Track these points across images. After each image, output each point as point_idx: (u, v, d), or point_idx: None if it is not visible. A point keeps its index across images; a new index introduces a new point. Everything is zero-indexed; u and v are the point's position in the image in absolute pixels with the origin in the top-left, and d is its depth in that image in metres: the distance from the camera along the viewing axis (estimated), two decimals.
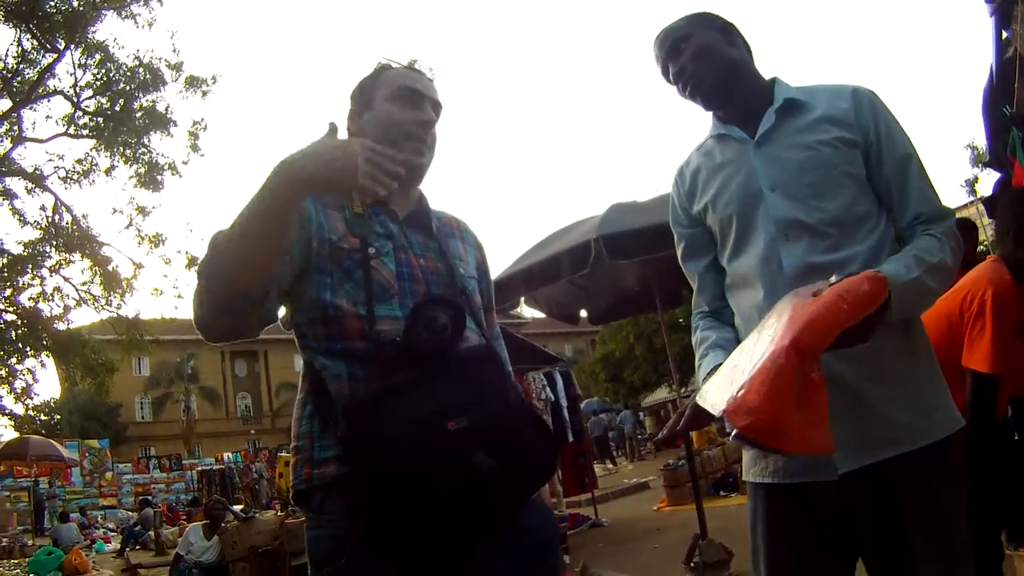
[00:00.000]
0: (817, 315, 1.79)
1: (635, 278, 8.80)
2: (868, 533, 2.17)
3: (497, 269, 8.56)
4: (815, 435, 1.72)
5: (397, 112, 2.34)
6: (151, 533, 22.01)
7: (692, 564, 7.17)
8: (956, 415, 2.26)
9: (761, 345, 1.83)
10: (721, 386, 1.88)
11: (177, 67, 22.62)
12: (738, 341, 2.37)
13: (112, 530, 28.25)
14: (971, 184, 45.96)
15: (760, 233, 2.30)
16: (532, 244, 8.73)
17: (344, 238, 2.19)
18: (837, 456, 2.08)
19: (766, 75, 2.52)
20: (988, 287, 3.56)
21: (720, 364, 2.22)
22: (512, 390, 2.24)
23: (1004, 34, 3.45)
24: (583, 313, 9.38)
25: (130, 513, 30.00)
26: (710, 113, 2.53)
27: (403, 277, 2.21)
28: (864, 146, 2.29)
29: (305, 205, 2.15)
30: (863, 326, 1.88)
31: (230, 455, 38.17)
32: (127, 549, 21.63)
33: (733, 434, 1.74)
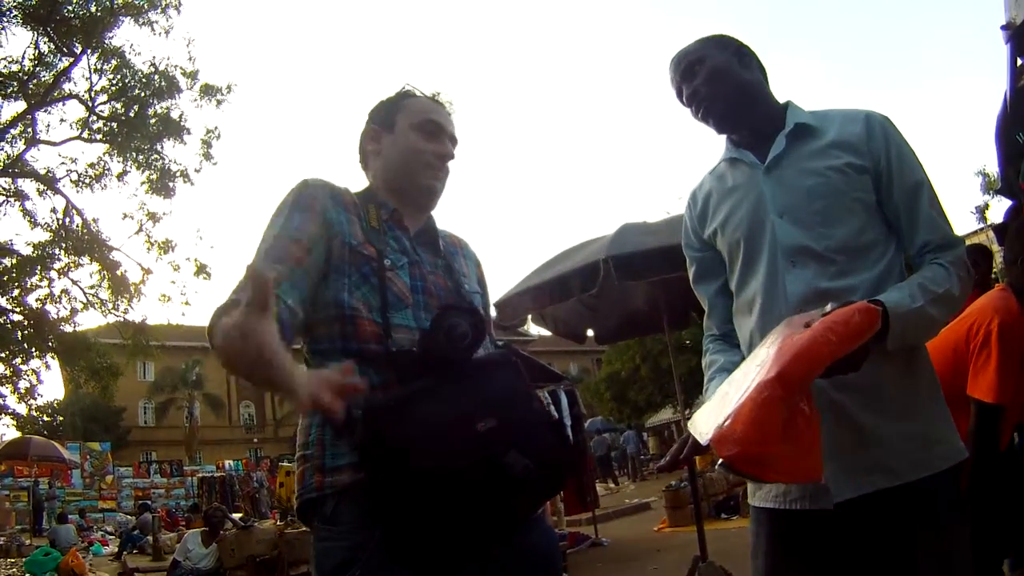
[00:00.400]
0: (804, 348, 1.81)
1: (643, 299, 8.79)
2: (868, 562, 2.16)
3: (505, 287, 8.60)
4: (803, 465, 1.75)
5: (419, 142, 2.42)
6: (149, 538, 22.01)
7: None
8: (959, 446, 2.25)
9: (751, 375, 1.84)
10: (710, 415, 1.90)
11: (192, 75, 22.69)
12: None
13: (110, 533, 28.24)
14: (981, 211, 45.82)
15: (766, 258, 2.30)
16: (541, 262, 8.73)
17: (363, 244, 2.24)
18: (834, 485, 2.08)
19: (781, 99, 2.51)
20: (995, 316, 3.55)
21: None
22: (534, 393, 2.27)
23: (1019, 61, 3.46)
24: (590, 332, 9.37)
25: (129, 517, 29.94)
26: (723, 136, 2.53)
27: (417, 290, 2.27)
28: (875, 172, 2.29)
29: (327, 206, 2.24)
30: (853, 357, 1.89)
31: (231, 463, 38.34)
32: (125, 553, 21.58)
33: (719, 463, 1.77)
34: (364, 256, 2.22)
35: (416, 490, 1.90)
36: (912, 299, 2.06)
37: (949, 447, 2.22)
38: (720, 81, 2.40)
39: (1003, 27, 3.07)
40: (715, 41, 2.50)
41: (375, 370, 2.10)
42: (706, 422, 1.89)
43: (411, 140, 2.43)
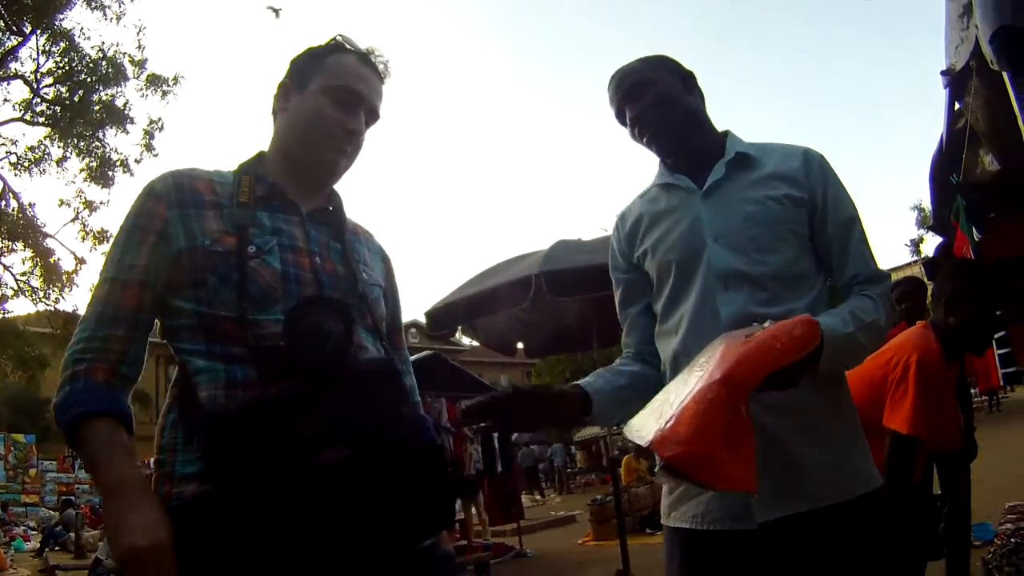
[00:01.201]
0: (749, 352, 1.83)
1: (575, 315, 8.84)
2: None
3: (436, 297, 8.62)
4: (740, 473, 1.73)
5: (327, 109, 2.16)
6: (72, 534, 21.62)
7: None
8: (875, 474, 2.31)
9: (692, 382, 1.84)
10: (648, 419, 1.89)
11: (140, 64, 22.23)
12: (639, 376, 2.45)
13: (32, 528, 27.72)
14: (916, 244, 46.94)
15: (699, 281, 2.32)
16: (475, 273, 8.77)
17: (219, 239, 1.98)
18: (757, 505, 2.12)
19: (720, 127, 2.55)
20: (914, 352, 3.68)
21: (599, 387, 2.35)
22: (411, 416, 2.11)
23: (957, 105, 3.58)
24: (520, 345, 9.42)
25: (52, 512, 29.42)
26: (657, 159, 2.55)
27: (289, 278, 2.01)
28: (811, 206, 2.34)
29: (170, 218, 1.99)
30: (793, 370, 1.91)
31: None
32: (47, 549, 21.24)
33: (660, 465, 1.75)
34: (219, 254, 1.96)
35: (249, 520, 1.70)
36: (844, 325, 2.12)
37: (867, 474, 2.29)
38: (668, 107, 2.42)
39: (943, 72, 3.17)
40: (661, 63, 2.51)
41: (241, 367, 1.90)
42: (644, 426, 1.88)
43: (319, 105, 2.16)
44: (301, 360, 1.84)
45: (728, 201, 2.35)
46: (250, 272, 1.96)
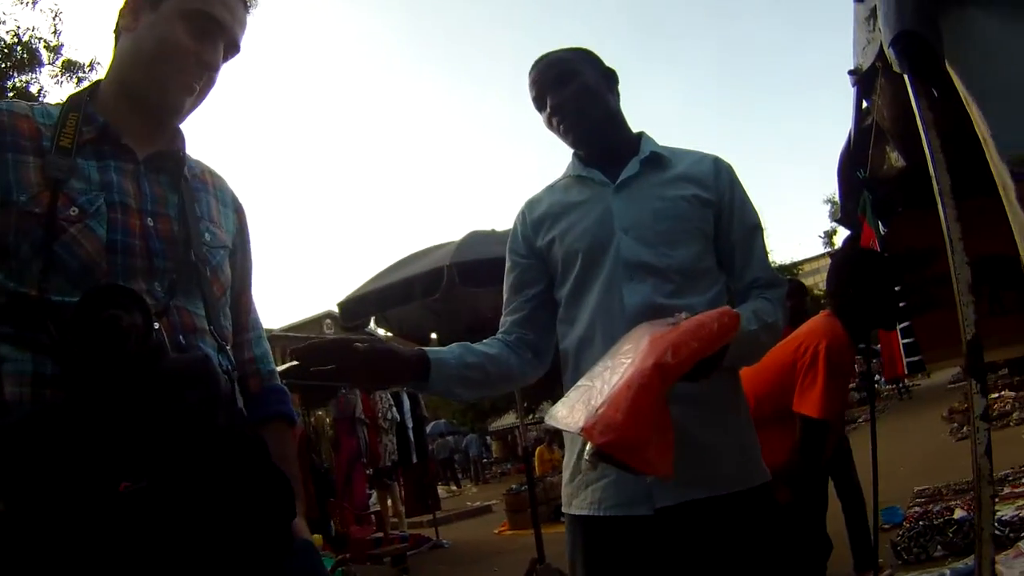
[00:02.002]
0: (681, 339, 1.84)
1: (489, 306, 8.82)
2: (684, 569, 2.24)
3: (349, 288, 8.54)
4: (664, 458, 1.75)
5: (182, 35, 1.86)
6: None
7: None
8: (765, 467, 2.39)
9: (619, 369, 1.85)
10: (576, 405, 1.88)
11: (56, 49, 21.60)
12: (494, 360, 2.42)
13: None
14: (829, 236, 48.15)
15: (606, 271, 2.36)
16: (387, 265, 8.71)
17: (37, 196, 1.67)
18: (656, 491, 2.17)
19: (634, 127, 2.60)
20: (823, 339, 3.78)
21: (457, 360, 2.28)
22: (235, 431, 1.72)
23: (864, 103, 3.66)
24: (434, 336, 9.39)
25: None
26: (570, 151, 2.57)
27: (115, 248, 1.72)
28: (717, 209, 2.42)
29: None
30: (713, 359, 1.97)
31: None
32: None
33: (590, 452, 1.74)
34: (35, 216, 1.65)
35: (39, 555, 1.42)
36: (748, 323, 2.19)
37: (761, 466, 2.38)
38: (590, 102, 2.45)
39: (850, 72, 3.25)
40: (587, 57, 2.54)
41: (52, 362, 1.62)
42: (571, 413, 1.87)
43: (173, 31, 1.85)
44: (96, 362, 1.54)
45: (639, 196, 2.40)
46: (67, 241, 1.66)
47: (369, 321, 9.04)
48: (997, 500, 7.02)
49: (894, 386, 27.51)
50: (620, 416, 1.70)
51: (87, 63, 22.11)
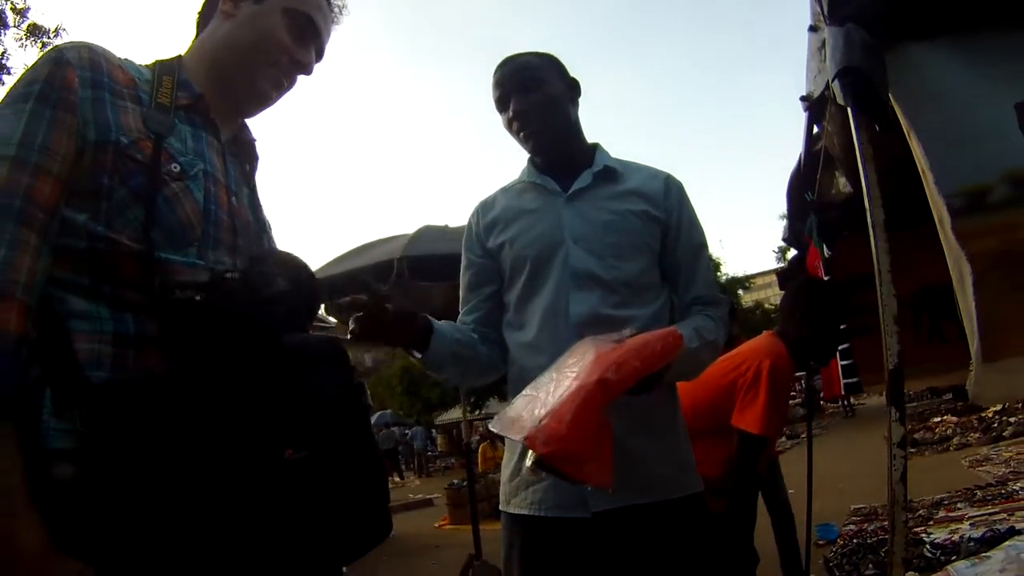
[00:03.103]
0: (624, 358, 1.88)
1: (442, 300, 8.83)
2: (619, 571, 2.30)
3: None
4: (602, 471, 1.80)
5: (283, 32, 1.85)
6: None
7: None
8: (699, 478, 2.45)
9: (564, 381, 1.88)
10: (520, 414, 1.91)
11: (22, 12, 21.23)
12: (476, 348, 2.49)
13: None
14: (782, 252, 48.57)
15: (553, 278, 2.39)
16: (337, 254, 8.68)
17: (138, 144, 1.58)
18: (592, 496, 2.23)
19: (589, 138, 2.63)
20: (766, 358, 3.83)
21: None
22: (368, 406, 1.76)
23: (815, 129, 3.72)
24: None
25: None
26: (526, 155, 2.60)
27: (209, 217, 1.67)
28: (665, 226, 2.46)
29: (81, 99, 1.55)
30: (656, 377, 2.01)
31: None
32: None
33: (533, 461, 1.76)
34: (137, 163, 1.56)
35: (160, 529, 1.36)
36: (690, 341, 2.23)
37: (695, 476, 2.43)
38: (553, 112, 2.47)
39: (802, 98, 3.31)
40: (554, 65, 2.56)
41: (136, 318, 1.53)
42: (515, 421, 1.89)
43: (275, 25, 1.84)
44: (237, 320, 1.49)
45: (590, 208, 2.44)
46: (168, 196, 1.59)
47: (318, 308, 8.99)
48: (932, 523, 7.18)
49: (839, 404, 27.83)
50: (563, 428, 1.73)
51: (52, 29, 21.77)
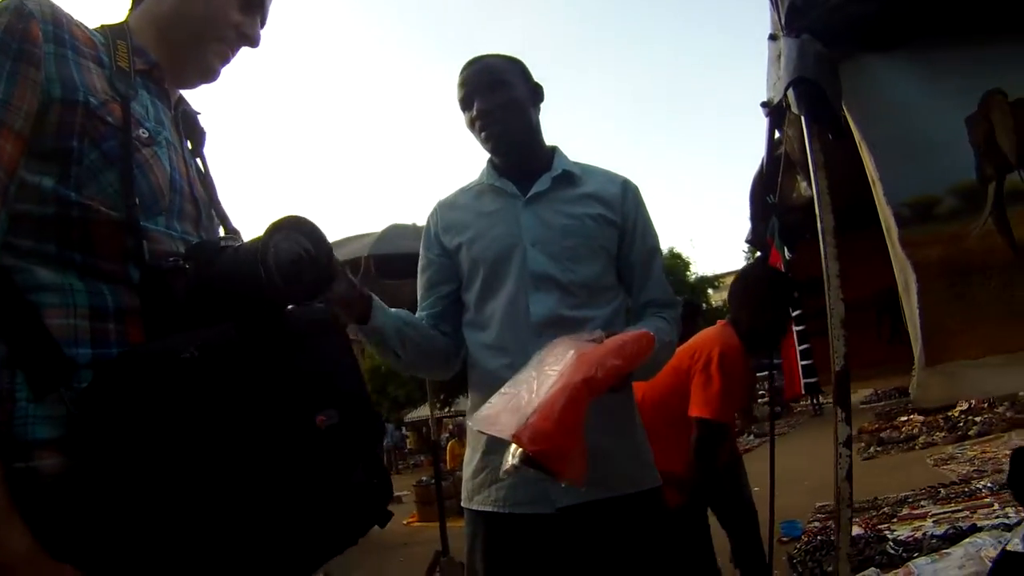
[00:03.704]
0: (607, 357, 1.95)
1: (409, 298, 8.82)
2: (581, 565, 2.36)
3: None
4: (581, 467, 1.83)
5: (233, 11, 1.79)
6: None
7: None
8: (656, 472, 2.52)
9: (547, 380, 1.91)
10: (502, 412, 1.93)
11: None
12: (427, 335, 2.52)
13: None
14: (751, 251, 48.68)
15: (512, 280, 2.44)
16: None
17: (107, 106, 1.50)
18: (556, 491, 2.27)
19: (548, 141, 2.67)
20: (716, 346, 3.91)
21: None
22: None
23: (777, 134, 3.79)
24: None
25: None
26: (486, 156, 2.65)
27: (175, 186, 1.61)
28: (621, 230, 2.53)
29: (44, 54, 1.44)
30: (628, 377, 2.11)
31: None
32: None
33: (519, 457, 1.78)
34: (108, 125, 1.48)
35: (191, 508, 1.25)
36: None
37: (654, 472, 2.51)
38: (516, 115, 2.51)
39: (762, 104, 3.36)
40: (519, 68, 2.60)
41: (113, 292, 1.44)
42: (498, 419, 1.91)
43: (225, 4, 1.77)
44: (255, 292, 1.40)
45: (548, 211, 2.49)
46: (142, 163, 1.52)
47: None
48: (896, 520, 7.31)
49: (809, 402, 27.94)
50: (551, 426, 1.77)
51: None
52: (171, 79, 1.78)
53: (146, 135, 1.55)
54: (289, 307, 1.54)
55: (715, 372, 3.82)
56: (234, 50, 1.84)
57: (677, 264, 42.18)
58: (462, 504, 2.55)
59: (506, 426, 1.83)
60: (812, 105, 2.55)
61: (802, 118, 2.64)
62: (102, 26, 1.68)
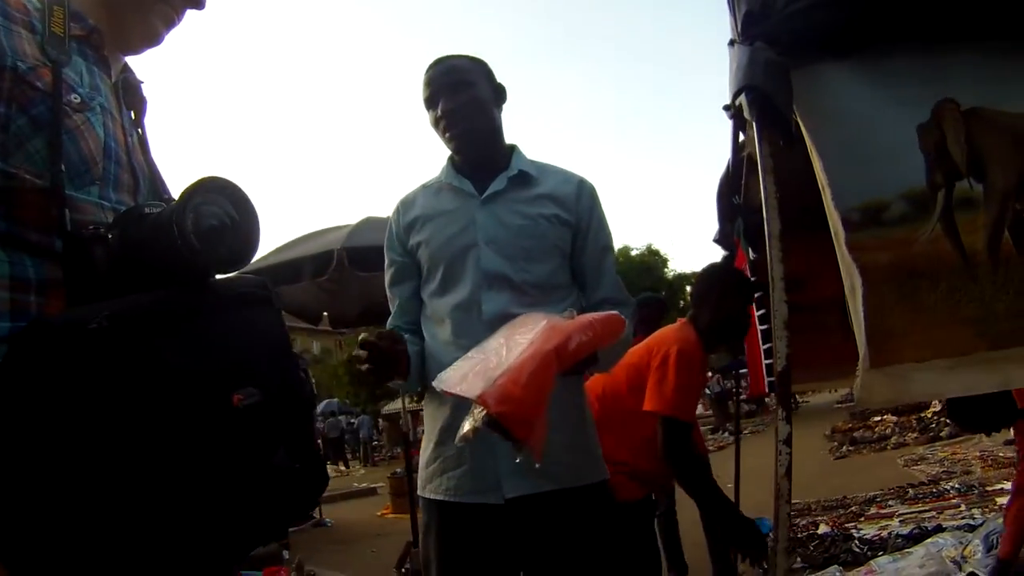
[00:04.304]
0: (577, 331, 1.99)
1: (381, 291, 8.80)
2: (529, 554, 2.44)
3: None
4: (542, 437, 1.87)
5: None
6: None
7: (403, 570, 7.43)
8: (604, 466, 2.60)
9: (516, 348, 1.96)
10: (467, 374, 1.96)
11: None
12: (420, 355, 2.60)
13: None
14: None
15: (467, 278, 2.51)
16: (279, 243, 8.68)
17: (37, 71, 1.46)
18: (506, 482, 2.37)
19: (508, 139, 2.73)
20: (674, 344, 3.94)
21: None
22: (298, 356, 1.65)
23: (741, 136, 3.84)
24: (325, 315, 9.36)
25: None
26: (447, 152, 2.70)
27: (109, 154, 1.57)
28: (575, 229, 2.59)
29: None
30: (593, 356, 2.15)
31: None
32: None
33: (483, 420, 1.80)
34: (37, 91, 1.44)
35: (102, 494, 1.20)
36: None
37: (601, 464, 2.59)
38: (480, 115, 2.59)
39: (725, 107, 3.40)
40: (484, 69, 2.66)
41: (36, 264, 1.40)
42: (463, 380, 1.94)
43: None
44: (174, 260, 1.35)
45: (502, 211, 2.55)
46: (72, 129, 1.48)
47: None
48: (863, 519, 7.37)
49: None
50: (518, 390, 1.81)
51: None
52: (113, 45, 1.72)
53: (78, 100, 1.51)
54: (218, 276, 1.49)
55: (671, 367, 3.84)
56: (179, 12, 1.78)
57: (655, 260, 42.29)
58: (418, 492, 2.62)
59: (472, 387, 1.86)
60: (762, 111, 2.60)
61: (753, 124, 2.68)
62: None
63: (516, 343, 1.99)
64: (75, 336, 1.21)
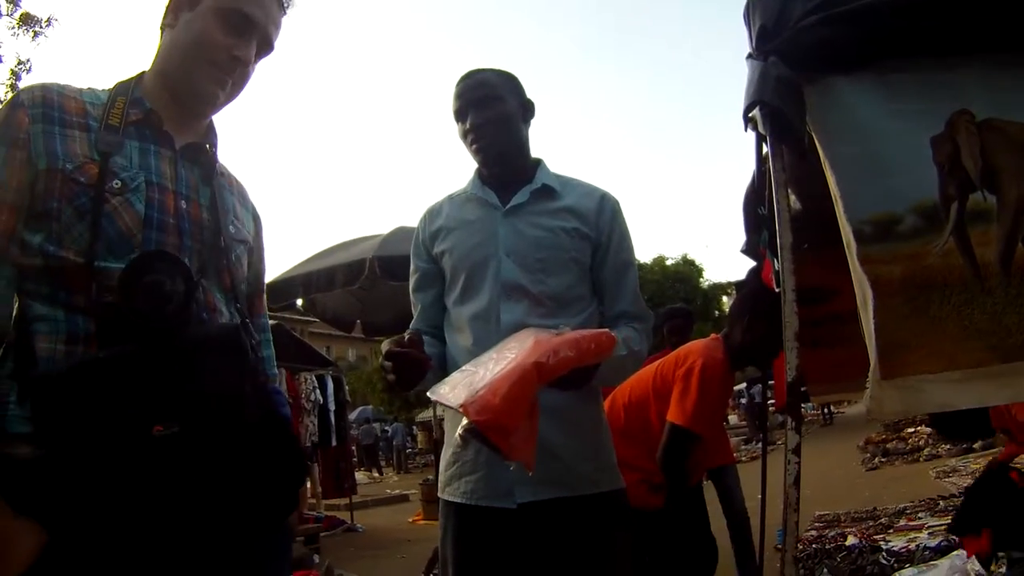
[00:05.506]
0: (561, 347, 2.03)
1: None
2: (541, 559, 2.46)
3: (278, 269, 8.57)
4: (527, 447, 1.93)
5: (215, 32, 1.93)
6: None
7: (431, 575, 7.43)
8: (620, 475, 2.63)
9: (502, 361, 2.01)
10: (458, 386, 2.02)
11: (15, 1, 21.08)
12: (441, 357, 2.65)
13: None
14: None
15: (486, 288, 2.56)
16: (315, 251, 8.76)
17: (83, 167, 1.77)
18: (518, 488, 2.40)
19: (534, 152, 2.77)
20: (699, 358, 3.99)
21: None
22: (258, 393, 1.92)
23: (764, 149, 3.86)
24: (358, 323, 9.43)
25: None
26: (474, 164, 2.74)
27: (151, 224, 1.81)
28: (595, 243, 2.62)
29: (31, 134, 1.76)
30: (586, 372, 2.19)
31: None
32: None
33: (465, 428, 1.89)
34: (81, 185, 1.75)
35: (83, 496, 1.59)
36: (618, 349, 2.35)
37: (616, 474, 2.62)
38: (507, 130, 2.63)
39: (745, 119, 3.43)
40: (513, 84, 2.70)
41: (85, 320, 1.73)
42: (452, 391, 2.01)
43: (207, 27, 1.93)
44: (138, 322, 1.66)
45: (524, 224, 2.59)
46: (109, 212, 1.77)
47: (295, 304, 9.08)
48: (892, 531, 7.30)
49: (820, 411, 27.87)
50: (496, 400, 1.85)
51: (44, 19, 21.59)
52: (178, 115, 1.97)
53: (119, 185, 1.79)
54: (190, 326, 1.79)
55: (695, 382, 3.90)
56: (230, 73, 1.98)
57: (691, 270, 42.07)
58: (438, 494, 2.67)
59: (457, 397, 1.94)
60: (774, 125, 2.62)
61: (766, 137, 2.71)
62: (117, 83, 1.96)
63: (504, 357, 2.05)
64: (42, 381, 1.63)
